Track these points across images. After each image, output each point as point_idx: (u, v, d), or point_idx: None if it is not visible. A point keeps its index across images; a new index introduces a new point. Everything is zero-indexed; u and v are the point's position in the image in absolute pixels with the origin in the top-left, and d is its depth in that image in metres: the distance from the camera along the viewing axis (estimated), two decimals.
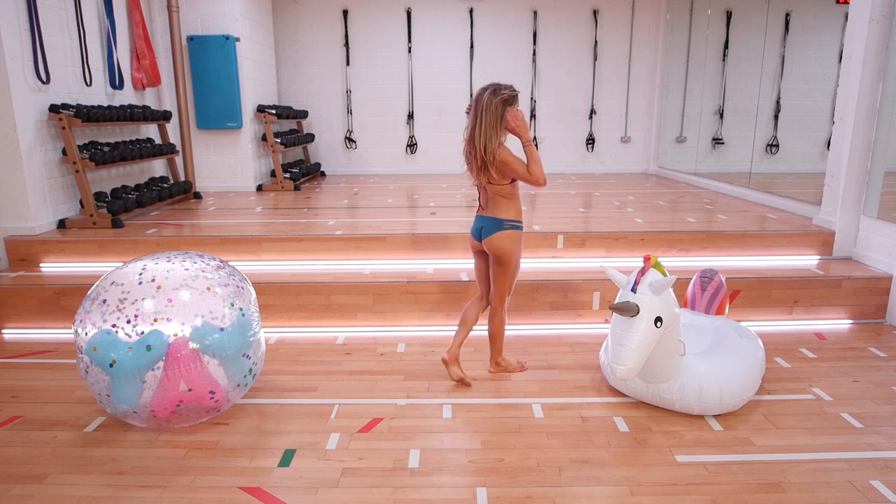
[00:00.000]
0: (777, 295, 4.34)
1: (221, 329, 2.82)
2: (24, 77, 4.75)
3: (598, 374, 3.55)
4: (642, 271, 2.94)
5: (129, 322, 2.71)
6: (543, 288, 4.26)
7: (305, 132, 8.96)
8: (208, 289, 2.86)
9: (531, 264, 4.65)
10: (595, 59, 9.03)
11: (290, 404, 3.21)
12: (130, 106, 5.95)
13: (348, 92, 9.04)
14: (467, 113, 3.13)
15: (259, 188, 7.59)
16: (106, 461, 2.69)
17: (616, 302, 2.91)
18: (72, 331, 3.08)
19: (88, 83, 5.58)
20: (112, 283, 2.81)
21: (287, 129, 8.56)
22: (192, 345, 2.77)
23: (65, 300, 4.22)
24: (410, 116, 9.15)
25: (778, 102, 7.32)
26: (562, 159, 9.36)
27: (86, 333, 2.74)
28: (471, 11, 8.86)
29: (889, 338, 4.11)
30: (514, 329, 4.21)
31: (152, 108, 6.76)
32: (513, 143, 3.10)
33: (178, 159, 6.98)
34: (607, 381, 3.39)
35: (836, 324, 4.35)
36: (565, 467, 2.64)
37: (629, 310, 2.82)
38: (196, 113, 7.25)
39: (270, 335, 4.13)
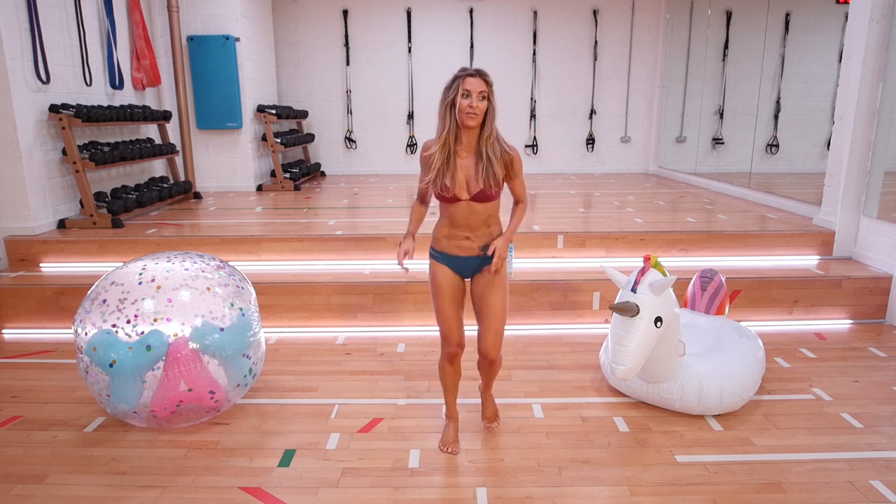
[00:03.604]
0: (777, 295, 4.34)
1: (221, 329, 2.82)
2: (24, 77, 4.75)
3: (598, 374, 3.55)
4: (642, 271, 2.94)
5: (129, 322, 2.71)
6: (543, 288, 4.26)
7: (305, 132, 8.96)
8: (208, 289, 2.86)
9: (531, 264, 4.65)
10: (595, 59, 9.03)
11: (290, 404, 3.20)
12: (130, 106, 5.95)
13: (348, 92, 9.04)
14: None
15: (259, 188, 7.59)
16: (106, 461, 2.69)
17: (616, 302, 2.91)
18: (72, 331, 3.08)
19: (88, 83, 5.58)
20: (112, 283, 2.81)
21: (287, 129, 8.56)
22: (192, 345, 2.77)
23: (65, 300, 4.22)
24: (410, 116, 9.14)
25: (778, 102, 7.32)
26: (562, 159, 9.36)
27: (86, 333, 2.74)
28: (471, 11, 8.86)
29: (889, 338, 4.11)
30: (514, 329, 4.21)
31: (152, 108, 6.76)
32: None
33: (178, 159, 6.98)
34: (607, 381, 3.39)
35: (836, 324, 4.35)
36: (565, 467, 2.64)
37: (629, 310, 2.82)
38: (196, 113, 7.25)
39: (270, 335, 4.13)
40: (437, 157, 2.46)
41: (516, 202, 2.70)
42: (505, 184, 2.59)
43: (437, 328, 2.74)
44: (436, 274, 2.69)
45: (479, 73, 2.40)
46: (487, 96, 2.40)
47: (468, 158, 2.49)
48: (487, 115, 2.43)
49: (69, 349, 3.92)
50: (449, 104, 2.42)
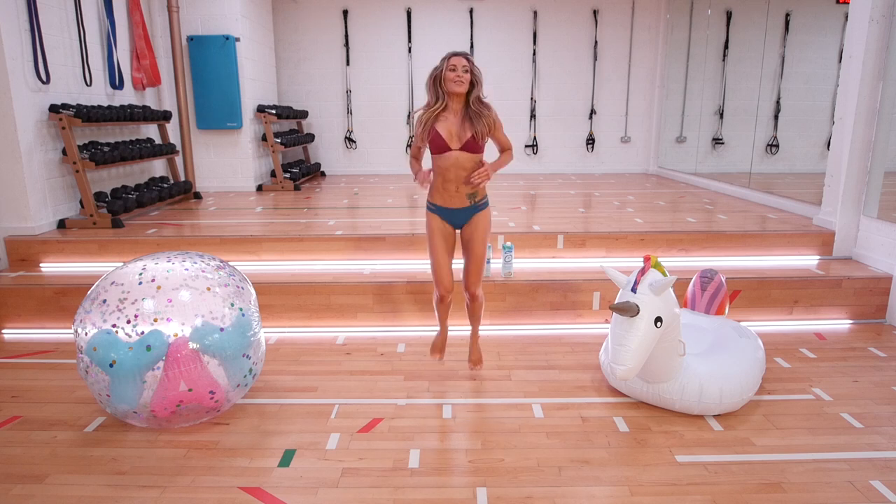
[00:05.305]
0: (777, 295, 4.34)
1: (221, 329, 2.82)
2: (24, 77, 4.75)
3: (598, 374, 3.55)
4: (642, 271, 2.94)
5: (129, 322, 2.71)
6: (543, 288, 4.26)
7: (305, 132, 8.96)
8: (208, 289, 2.86)
9: (531, 264, 4.65)
10: (595, 59, 9.03)
11: (290, 404, 3.21)
12: (130, 106, 5.95)
13: (348, 92, 9.04)
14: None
15: (259, 188, 7.59)
16: (106, 461, 2.69)
17: (616, 302, 2.91)
18: (72, 331, 3.08)
19: (88, 83, 5.58)
20: (112, 283, 2.81)
21: (287, 129, 8.56)
22: (192, 345, 2.77)
23: (65, 300, 4.22)
24: (410, 116, 9.15)
25: (778, 102, 7.31)
26: (562, 159, 9.36)
27: (86, 333, 2.74)
28: (471, 11, 8.86)
29: (889, 338, 4.11)
30: (515, 329, 4.21)
31: (152, 108, 6.76)
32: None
33: (178, 159, 6.97)
34: (607, 381, 3.39)
35: (836, 324, 4.35)
36: (565, 467, 2.64)
37: (629, 310, 2.82)
38: (196, 113, 7.25)
39: (270, 335, 4.13)
40: (432, 115, 3.01)
41: (502, 150, 3.20)
42: (489, 141, 3.12)
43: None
44: (430, 222, 3.22)
45: (462, 53, 2.99)
46: (469, 70, 2.96)
47: (457, 119, 3.02)
48: (473, 84, 2.98)
49: (69, 349, 3.92)
50: (439, 79, 2.98)
